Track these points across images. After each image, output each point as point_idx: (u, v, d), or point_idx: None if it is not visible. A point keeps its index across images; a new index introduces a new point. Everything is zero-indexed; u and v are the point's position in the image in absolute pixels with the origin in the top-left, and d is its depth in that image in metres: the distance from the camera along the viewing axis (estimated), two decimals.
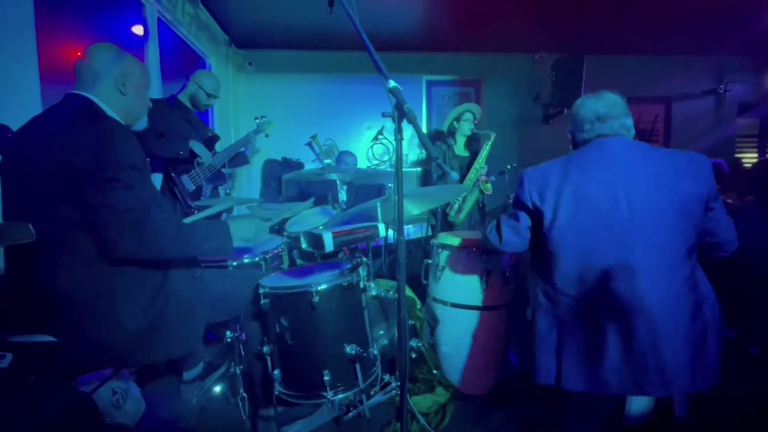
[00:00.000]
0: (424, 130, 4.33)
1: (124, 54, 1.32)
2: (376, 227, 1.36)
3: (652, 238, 1.20)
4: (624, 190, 1.22)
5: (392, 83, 1.04)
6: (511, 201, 1.80)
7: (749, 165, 4.45)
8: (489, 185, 3.07)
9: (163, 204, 1.42)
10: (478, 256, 1.90)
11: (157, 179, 2.39)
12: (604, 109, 1.33)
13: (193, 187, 2.36)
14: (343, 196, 2.56)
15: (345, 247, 1.70)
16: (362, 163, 4.31)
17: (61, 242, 1.12)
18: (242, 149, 2.75)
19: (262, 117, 2.94)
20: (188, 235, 1.27)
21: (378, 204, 1.54)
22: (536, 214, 1.34)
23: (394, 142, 4.69)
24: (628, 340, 1.18)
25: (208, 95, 2.54)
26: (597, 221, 1.23)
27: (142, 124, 1.42)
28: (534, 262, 1.43)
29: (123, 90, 1.29)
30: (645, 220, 1.20)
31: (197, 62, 3.46)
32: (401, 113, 1.03)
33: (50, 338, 1.11)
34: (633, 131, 1.36)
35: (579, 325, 1.25)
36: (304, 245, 1.33)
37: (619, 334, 1.19)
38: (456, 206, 3.09)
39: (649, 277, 1.18)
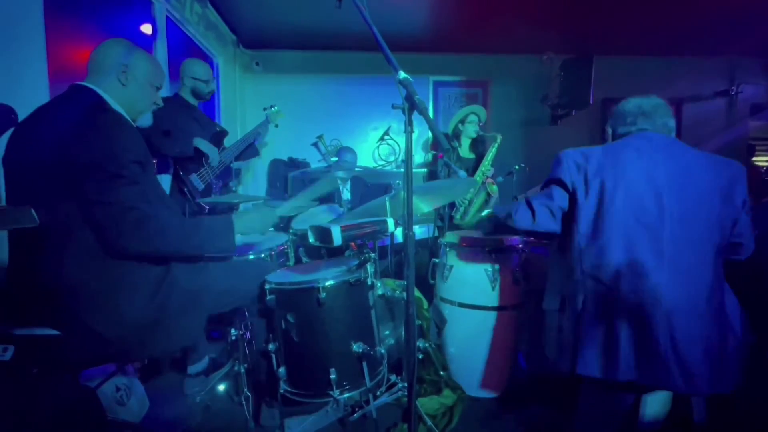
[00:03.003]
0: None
1: (135, 49, 1.30)
2: (385, 222, 1.33)
3: (681, 235, 1.18)
4: (665, 184, 1.22)
5: (402, 74, 1.02)
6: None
7: (763, 167, 4.38)
8: (495, 187, 3.03)
9: (166, 199, 1.41)
10: (488, 254, 1.87)
11: (166, 179, 2.39)
12: (650, 106, 1.35)
13: (203, 186, 2.36)
14: (346, 194, 2.53)
15: (353, 243, 1.67)
16: (367, 163, 4.30)
17: (63, 235, 1.11)
18: (252, 141, 2.73)
19: (271, 107, 2.91)
20: (191, 232, 1.25)
21: (387, 200, 1.52)
22: (574, 196, 1.28)
23: (400, 143, 4.62)
24: (649, 331, 1.15)
25: (206, 81, 2.48)
26: (637, 211, 1.21)
27: (146, 120, 1.38)
28: (566, 249, 1.35)
29: (123, 80, 1.26)
30: (678, 217, 1.19)
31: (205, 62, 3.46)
32: (412, 104, 1.01)
33: (53, 331, 1.09)
34: (674, 133, 1.38)
35: (617, 315, 1.20)
36: (311, 239, 1.30)
37: (651, 326, 1.16)
38: (462, 209, 3.05)
39: (674, 273, 1.16)
